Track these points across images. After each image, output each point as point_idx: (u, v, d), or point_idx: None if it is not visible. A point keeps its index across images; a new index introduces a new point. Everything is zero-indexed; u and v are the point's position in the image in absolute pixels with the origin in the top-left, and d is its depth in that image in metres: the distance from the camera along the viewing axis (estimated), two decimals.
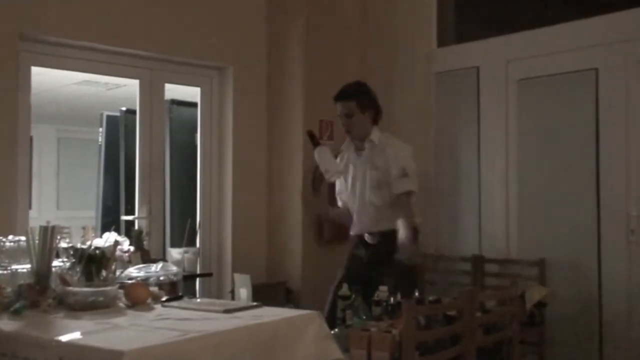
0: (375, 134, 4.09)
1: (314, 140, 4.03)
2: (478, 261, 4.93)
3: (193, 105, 5.31)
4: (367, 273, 3.98)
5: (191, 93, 5.30)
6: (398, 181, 3.97)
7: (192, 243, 4.89)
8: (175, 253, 4.69)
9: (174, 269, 3.49)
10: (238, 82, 5.20)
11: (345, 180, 4.19)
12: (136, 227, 4.72)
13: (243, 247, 5.14)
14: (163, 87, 4.99)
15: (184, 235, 4.69)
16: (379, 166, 4.04)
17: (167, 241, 5.13)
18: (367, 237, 4.07)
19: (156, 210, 4.89)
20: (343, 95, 4.09)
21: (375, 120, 4.12)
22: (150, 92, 4.91)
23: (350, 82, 4.23)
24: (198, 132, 5.22)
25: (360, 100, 4.07)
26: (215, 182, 5.21)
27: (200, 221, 5.12)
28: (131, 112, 5.17)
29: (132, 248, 4.23)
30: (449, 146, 5.23)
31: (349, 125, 4.06)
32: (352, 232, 4.17)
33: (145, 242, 4.45)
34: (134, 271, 3.36)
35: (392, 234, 3.89)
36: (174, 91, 5.24)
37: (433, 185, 5.21)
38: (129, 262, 3.99)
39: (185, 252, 4.67)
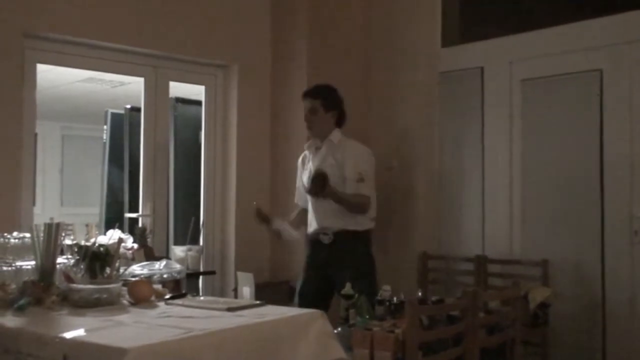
0: (335, 135, 4.31)
1: (261, 216, 4.29)
2: (481, 261, 4.91)
3: (197, 103, 5.32)
4: (327, 274, 4.19)
5: (195, 91, 5.31)
6: (353, 184, 4.15)
7: (195, 241, 4.89)
8: (178, 251, 4.70)
9: (178, 266, 3.51)
10: (242, 81, 5.20)
11: (303, 179, 4.38)
12: (140, 224, 4.73)
13: (246, 245, 5.14)
14: (167, 85, 4.99)
15: (187, 233, 4.69)
16: (335, 162, 4.21)
17: (171, 239, 5.14)
18: (322, 237, 4.23)
19: (160, 208, 4.90)
20: (310, 92, 4.34)
21: (338, 123, 4.33)
22: (155, 90, 4.91)
23: (322, 83, 4.43)
24: (202, 130, 5.23)
25: (326, 100, 4.30)
26: (219, 180, 5.21)
27: (203, 219, 5.12)
28: (136, 110, 5.18)
29: (135, 245, 4.24)
30: (453, 146, 5.21)
31: (311, 121, 4.28)
32: (308, 231, 4.35)
33: (149, 240, 4.45)
34: (138, 269, 3.37)
35: (346, 234, 4.17)
36: (178, 89, 5.25)
37: (436, 185, 5.20)
38: (133, 260, 4.00)
39: (189, 249, 4.68)
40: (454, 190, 5.19)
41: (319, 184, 3.94)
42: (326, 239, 4.23)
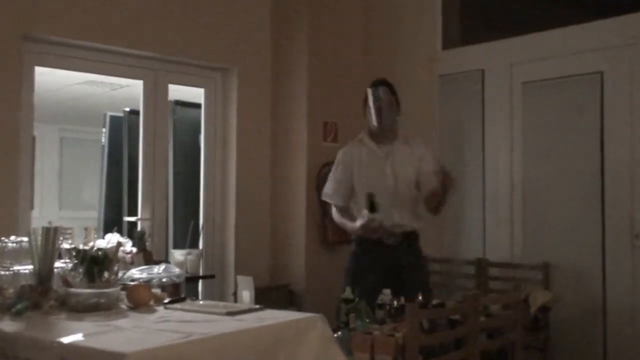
0: (402, 132, 4.13)
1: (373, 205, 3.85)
2: (482, 265, 4.92)
3: (197, 106, 5.31)
4: (396, 280, 3.83)
5: (195, 94, 5.30)
6: (433, 177, 3.84)
7: (194, 245, 4.89)
8: (178, 255, 4.69)
9: (177, 270, 3.49)
10: (242, 83, 5.20)
11: (358, 175, 4.06)
12: (139, 228, 4.72)
13: (246, 249, 5.14)
14: (167, 88, 4.99)
15: (186, 236, 4.69)
16: (413, 163, 4.02)
17: (170, 243, 5.13)
18: (387, 238, 3.94)
19: (159, 212, 4.90)
20: (389, 84, 4.12)
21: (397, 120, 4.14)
22: (154, 92, 4.92)
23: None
24: (202, 133, 5.23)
25: (396, 95, 4.12)
26: (219, 183, 5.21)
27: (203, 223, 5.12)
28: (135, 113, 5.17)
29: (134, 249, 4.24)
30: (453, 149, 5.21)
31: (386, 109, 4.01)
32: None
33: (147, 244, 4.44)
34: (137, 273, 3.36)
35: (414, 235, 3.99)
36: (177, 92, 5.24)
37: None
38: (132, 264, 3.99)
39: (188, 253, 4.67)
40: (454, 193, 5.17)
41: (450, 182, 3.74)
42: (392, 240, 3.95)
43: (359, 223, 3.89)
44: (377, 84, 4.12)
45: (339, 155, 4.20)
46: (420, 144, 4.14)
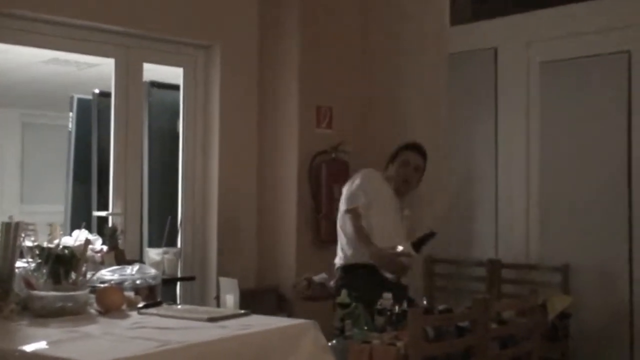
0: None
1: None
2: (494, 266, 4.93)
3: (175, 87, 5.30)
4: None
5: (173, 74, 5.30)
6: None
7: (172, 243, 4.90)
8: (153, 254, 4.70)
9: (152, 271, 3.52)
10: (226, 63, 5.19)
11: (382, 207, 4.31)
12: (110, 224, 4.72)
13: (230, 248, 5.14)
14: (141, 67, 4.98)
15: (163, 234, 4.70)
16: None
17: (145, 240, 5.13)
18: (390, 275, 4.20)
19: (132, 206, 4.90)
20: (423, 150, 4.44)
21: None
22: (127, 72, 4.91)
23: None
24: (180, 118, 5.22)
25: (426, 163, 4.45)
26: (200, 175, 5.22)
27: (182, 218, 5.12)
28: (105, 95, 5.16)
29: (105, 248, 4.25)
30: (463, 137, 5.23)
31: (412, 178, 4.39)
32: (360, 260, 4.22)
33: (120, 241, 4.46)
34: (107, 274, 3.38)
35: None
36: (153, 72, 5.23)
37: (444, 180, 5.21)
38: (102, 264, 4.00)
39: (165, 252, 4.69)
40: (463, 186, 5.20)
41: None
42: (393, 277, 4.21)
43: (396, 250, 4.13)
44: (412, 147, 4.42)
45: (370, 173, 4.41)
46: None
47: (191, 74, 5.24)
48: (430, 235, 4.13)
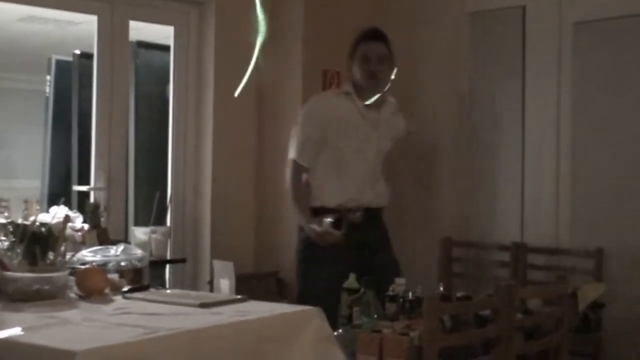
0: (391, 98, 4.43)
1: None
2: (519, 250, 4.94)
3: (164, 48, 5.30)
4: (363, 266, 4.02)
5: (162, 33, 5.29)
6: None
7: (161, 221, 4.89)
8: (140, 233, 4.70)
9: (139, 252, 3.53)
10: (221, 20, 5.18)
11: (336, 134, 4.25)
12: (92, 199, 4.73)
13: (225, 226, 5.16)
14: (127, 25, 4.97)
15: (151, 211, 4.70)
16: (392, 136, 4.45)
17: (130, 218, 5.16)
18: (350, 214, 4.21)
19: (117, 180, 4.91)
20: (380, 34, 4.30)
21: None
22: (111, 31, 4.90)
23: (374, 26, 4.45)
24: (170, 82, 5.22)
25: (392, 49, 4.31)
26: (192, 146, 5.22)
27: (171, 194, 5.13)
28: (87, 57, 5.16)
29: (86, 226, 4.25)
30: (486, 106, 5.21)
31: (381, 71, 4.25)
32: (321, 203, 4.24)
33: (102, 219, 4.46)
34: (89, 254, 3.38)
35: (380, 212, 4.42)
36: (140, 31, 5.23)
37: (464, 154, 5.21)
38: (83, 243, 4.01)
39: (153, 232, 4.68)
40: (486, 160, 5.20)
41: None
42: (357, 217, 4.26)
43: (314, 226, 4.13)
44: (368, 37, 4.28)
45: (310, 106, 4.40)
46: (402, 118, 4.53)
47: (183, 33, 5.23)
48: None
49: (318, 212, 4.21)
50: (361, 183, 4.29)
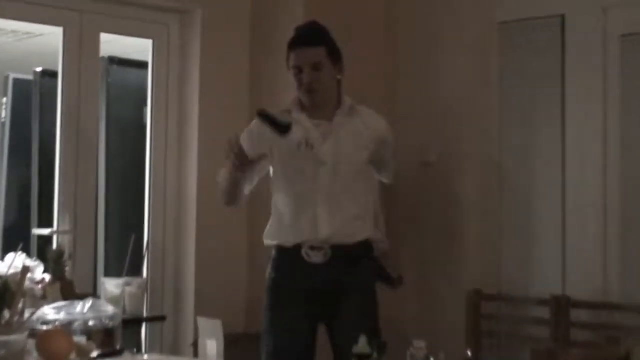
0: (347, 99, 4.28)
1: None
2: (561, 305, 4.89)
3: (141, 65, 5.33)
4: (318, 315, 4.16)
5: (139, 48, 5.31)
6: (390, 166, 4.40)
7: (137, 271, 4.89)
8: (111, 285, 4.68)
9: (110, 309, 3.52)
10: (209, 32, 5.22)
11: (281, 162, 4.23)
12: (54, 245, 4.72)
13: (212, 278, 5.15)
14: (98, 38, 5.00)
15: (125, 258, 4.68)
16: (364, 144, 4.24)
17: (100, 268, 5.14)
18: (311, 254, 4.12)
19: (85, 221, 4.92)
20: (310, 36, 4.21)
21: (340, 80, 4.28)
22: (79, 45, 4.92)
23: (309, 22, 4.36)
24: (148, 105, 5.25)
25: (333, 47, 4.22)
26: (173, 181, 5.25)
27: (149, 238, 5.13)
28: (50, 75, 5.17)
29: (48, 277, 4.24)
30: (519, 130, 5.20)
31: (317, 81, 4.14)
32: (277, 242, 4.23)
33: (67, 269, 4.46)
34: (51, 312, 3.38)
35: (353, 248, 4.16)
36: (113, 45, 5.25)
37: (495, 190, 5.19)
38: (44, 299, 4.01)
39: (127, 284, 4.66)
40: (520, 197, 5.18)
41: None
42: (319, 257, 4.14)
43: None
44: (297, 42, 4.22)
45: (253, 126, 4.30)
46: (372, 113, 4.35)
47: (163, 47, 5.26)
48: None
49: (277, 257, 4.25)
50: (293, 210, 4.19)
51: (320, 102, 4.20)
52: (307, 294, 4.13)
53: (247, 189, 4.33)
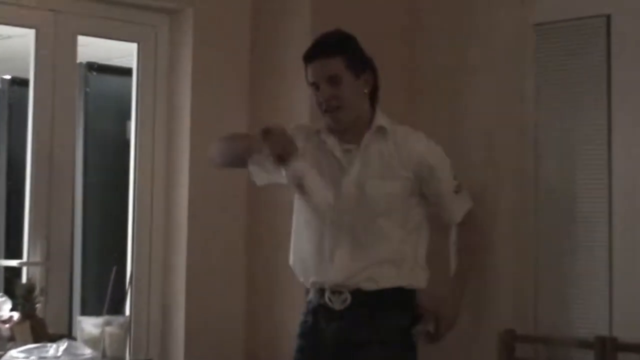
0: (381, 117, 4.19)
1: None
2: (607, 347, 4.86)
3: (125, 72, 5.33)
4: None
5: (122, 52, 5.32)
6: (453, 201, 4.27)
7: (118, 308, 4.83)
8: (89, 325, 4.64)
9: (87, 352, 3.63)
10: (201, 34, 5.23)
11: (301, 190, 4.14)
12: (24, 279, 4.72)
13: (204, 316, 5.14)
14: (75, 41, 5.01)
15: (105, 294, 4.63)
16: (395, 172, 4.11)
17: (76, 304, 5.14)
18: (335, 299, 4.10)
19: (58, 251, 4.90)
20: (322, 47, 4.13)
21: (373, 95, 4.20)
22: (54, 49, 4.93)
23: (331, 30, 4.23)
24: (132, 117, 5.24)
25: (351, 55, 4.11)
26: (161, 204, 5.25)
27: (132, 271, 5.12)
28: (20, 83, 5.17)
29: (16, 315, 4.25)
30: (558, 144, 5.18)
31: (335, 98, 4.06)
32: (316, 279, 4.16)
33: (38, 306, 4.45)
34: (20, 356, 3.43)
35: (382, 295, 4.08)
36: (93, 48, 5.22)
37: (531, 217, 5.17)
38: (12, 340, 4.03)
39: (107, 323, 4.62)
40: (559, 225, 5.16)
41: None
42: (338, 303, 4.11)
43: None
44: (311, 54, 4.15)
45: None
46: (409, 132, 4.26)
47: (150, 51, 5.27)
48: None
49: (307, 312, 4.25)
50: (311, 247, 4.17)
51: (347, 122, 4.12)
52: (333, 342, 4.12)
53: (261, 180, 4.30)
